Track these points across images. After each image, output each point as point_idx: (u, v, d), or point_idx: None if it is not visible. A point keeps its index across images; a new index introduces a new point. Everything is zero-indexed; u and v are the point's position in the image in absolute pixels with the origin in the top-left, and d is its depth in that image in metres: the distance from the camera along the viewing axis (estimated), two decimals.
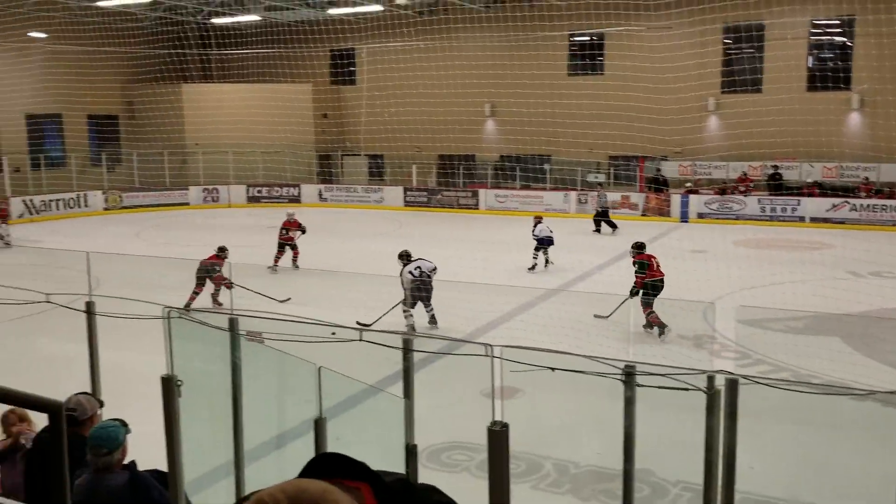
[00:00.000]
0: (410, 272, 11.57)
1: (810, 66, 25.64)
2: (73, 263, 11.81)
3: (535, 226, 16.99)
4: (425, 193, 29.27)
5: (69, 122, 30.27)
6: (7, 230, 20.93)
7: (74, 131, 30.55)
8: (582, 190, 26.84)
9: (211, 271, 12.85)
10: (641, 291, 11.05)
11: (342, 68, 32.32)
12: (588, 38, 28.22)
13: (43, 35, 28.31)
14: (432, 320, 11.35)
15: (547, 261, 16.77)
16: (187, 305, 12.16)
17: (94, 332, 5.17)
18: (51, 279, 9.36)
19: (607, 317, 10.81)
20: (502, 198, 27.90)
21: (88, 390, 5.31)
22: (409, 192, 29.45)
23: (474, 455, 7.36)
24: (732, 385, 3.16)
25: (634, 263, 11.66)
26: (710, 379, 3.24)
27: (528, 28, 26.41)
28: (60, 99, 28.39)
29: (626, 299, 10.96)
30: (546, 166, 28.12)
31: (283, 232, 17.23)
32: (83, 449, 3.84)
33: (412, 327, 11.07)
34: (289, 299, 12.54)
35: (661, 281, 11.35)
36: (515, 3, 27.39)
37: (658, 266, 11.61)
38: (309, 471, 1.17)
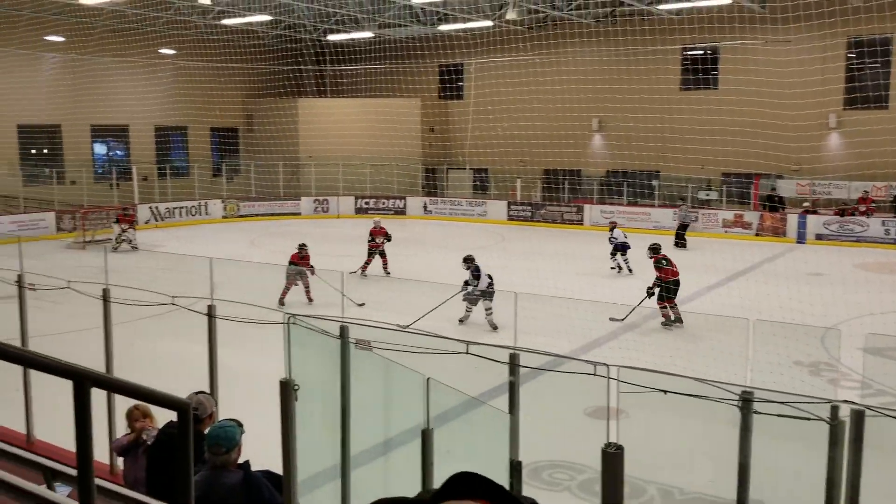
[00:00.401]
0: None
1: None
2: (195, 268, 12.44)
3: (611, 230, 18.57)
4: (529, 208, 29.18)
5: (194, 134, 32.01)
6: (134, 235, 22.28)
7: (198, 143, 32.26)
8: (692, 208, 26.08)
9: (302, 272, 14.17)
10: (658, 289, 12.58)
11: (450, 83, 32.73)
12: (702, 52, 27.48)
13: (172, 52, 30.05)
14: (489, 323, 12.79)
15: (627, 266, 18.00)
16: (281, 300, 14.08)
17: (213, 334, 5.41)
18: (174, 282, 9.88)
19: (622, 319, 11.94)
20: (608, 213, 27.45)
21: (206, 389, 5.57)
22: (512, 207, 29.43)
23: (576, 475, 7.26)
24: (859, 416, 2.99)
25: (657, 261, 13.03)
26: (835, 409, 3.08)
27: (640, 42, 25.96)
28: (186, 112, 30.06)
29: (644, 298, 12.53)
30: (654, 182, 27.52)
31: (371, 239, 17.73)
32: (201, 446, 4.03)
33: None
34: (363, 304, 13.08)
35: (678, 281, 12.78)
36: (627, 17, 27.01)
37: (675, 267, 12.91)
38: (450, 489, 1.19)
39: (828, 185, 25.12)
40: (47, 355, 2.08)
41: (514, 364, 4.09)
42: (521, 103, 28.85)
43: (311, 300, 14.21)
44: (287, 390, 3.21)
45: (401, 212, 30.63)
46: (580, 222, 27.78)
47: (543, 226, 27.94)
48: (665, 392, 3.67)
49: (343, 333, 4.62)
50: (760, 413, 3.27)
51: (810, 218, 23.99)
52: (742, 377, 4.17)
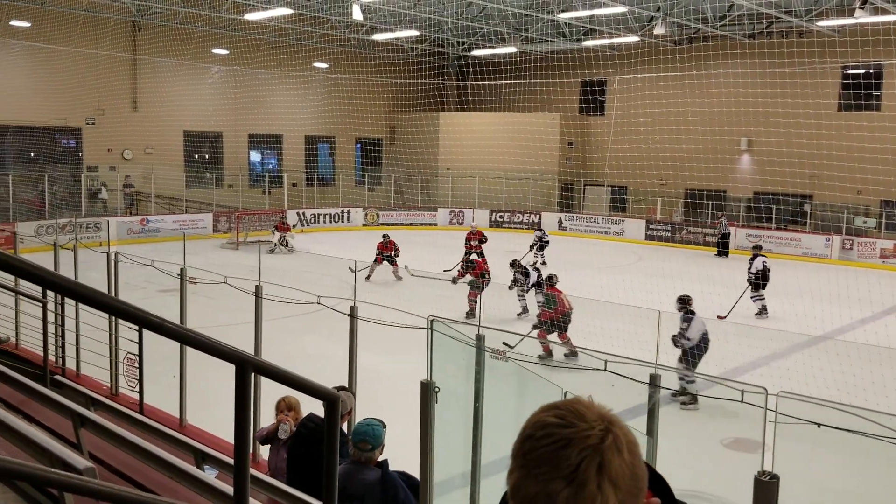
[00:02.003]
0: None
1: None
2: (337, 272, 12.92)
3: (752, 260, 16.65)
4: (669, 228, 28.33)
5: (340, 144, 33.38)
6: (293, 238, 23.65)
7: (344, 153, 33.61)
8: (847, 236, 24.47)
9: (388, 258, 17.49)
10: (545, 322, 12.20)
11: (592, 98, 32.37)
12: (864, 71, 25.77)
13: (325, 65, 31.49)
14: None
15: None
16: (368, 277, 16.80)
17: (354, 335, 5.60)
18: (318, 284, 10.32)
19: (513, 347, 11.20)
20: (754, 237, 26.18)
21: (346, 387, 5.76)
22: (651, 226, 28.68)
23: None
24: None
25: (544, 296, 12.59)
26: None
27: (796, 59, 24.69)
28: (335, 123, 31.43)
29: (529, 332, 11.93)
30: (806, 207, 26.02)
31: (467, 243, 18.10)
32: (340, 439, 4.17)
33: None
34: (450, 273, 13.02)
35: (568, 315, 12.21)
36: (782, 31, 25.76)
37: (567, 301, 12.36)
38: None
39: None
40: (216, 339, 2.23)
41: (654, 384, 3.98)
42: (665, 120, 28.11)
43: (398, 278, 17.53)
44: (428, 392, 3.28)
45: (536, 226, 30.52)
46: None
47: (683, 247, 27.02)
48: (819, 425, 3.46)
49: (479, 341, 4.66)
50: None
51: None
52: None
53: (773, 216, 26.86)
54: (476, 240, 19.02)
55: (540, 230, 22.88)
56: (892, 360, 9.59)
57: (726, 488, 7.14)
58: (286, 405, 5.41)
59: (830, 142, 24.57)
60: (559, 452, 1.11)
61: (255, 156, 32.93)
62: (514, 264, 15.30)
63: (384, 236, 19.56)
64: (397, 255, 19.00)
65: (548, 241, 22.38)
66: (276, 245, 23.01)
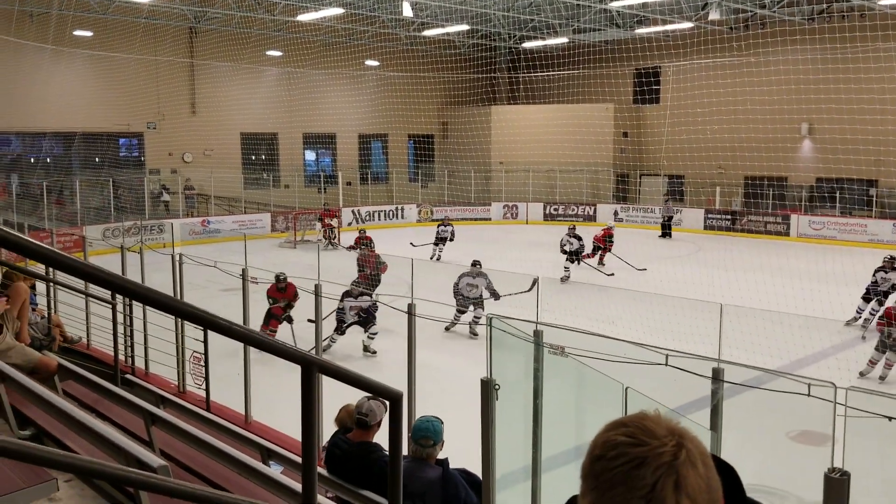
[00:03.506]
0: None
1: None
2: (393, 270, 13.04)
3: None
4: (728, 217, 27.74)
5: (393, 141, 33.61)
6: (335, 233, 23.90)
7: (397, 149, 33.83)
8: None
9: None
10: None
11: (646, 87, 31.84)
12: None
13: (376, 63, 31.73)
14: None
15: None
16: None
17: (412, 332, 5.65)
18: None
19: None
20: (818, 225, 25.48)
21: (405, 383, 5.83)
22: (710, 215, 28.13)
23: (777, 502, 6.80)
24: None
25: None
26: None
27: (858, 41, 23.85)
28: (387, 120, 31.64)
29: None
30: (872, 192, 25.16)
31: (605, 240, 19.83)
32: (369, 456, 4.18)
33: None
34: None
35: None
36: (843, 14, 24.92)
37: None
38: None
39: None
40: (282, 341, 2.28)
41: (717, 378, 3.92)
42: (722, 107, 27.48)
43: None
44: (488, 389, 3.30)
45: (590, 218, 30.23)
46: (786, 233, 25.99)
47: (744, 236, 26.44)
48: (890, 419, 3.36)
49: (537, 336, 4.65)
50: None
51: None
52: None
53: (837, 202, 26.06)
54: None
55: (445, 225, 22.29)
56: None
57: (793, 482, 6.98)
58: (347, 414, 5.48)
59: None
60: (633, 472, 1.09)
61: (310, 155, 33.40)
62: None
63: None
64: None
65: (449, 236, 21.79)
66: (324, 239, 23.38)
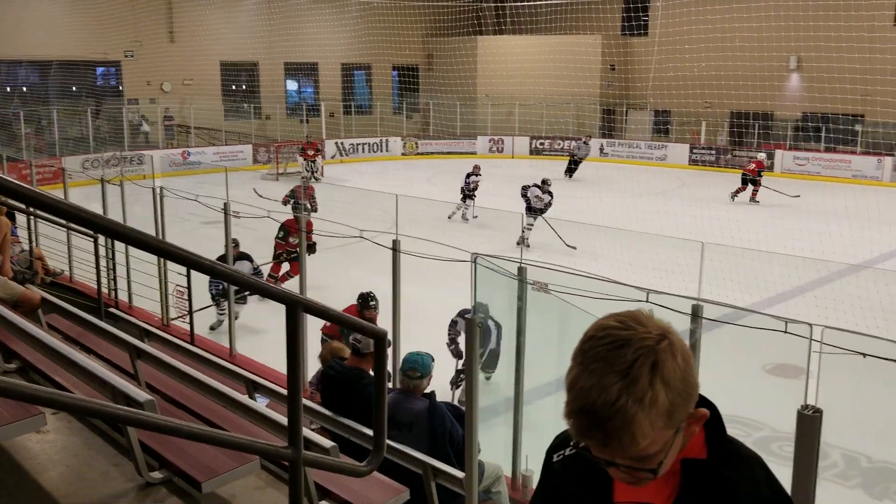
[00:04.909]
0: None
1: None
2: (378, 203, 12.96)
3: None
4: (713, 152, 27.71)
5: (377, 72, 33.00)
6: (318, 166, 23.61)
7: (380, 81, 33.25)
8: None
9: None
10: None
11: (634, 19, 31.29)
12: None
13: None
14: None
15: None
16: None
17: (397, 268, 5.67)
18: (358, 216, 10.38)
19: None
20: (802, 160, 25.53)
21: (389, 321, 5.88)
22: (695, 151, 28.08)
23: (751, 431, 7.02)
24: None
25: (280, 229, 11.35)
26: None
27: None
28: (370, 50, 31.00)
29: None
30: (857, 127, 25.15)
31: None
32: (359, 381, 4.28)
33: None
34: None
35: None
36: None
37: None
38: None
39: None
40: (264, 282, 2.28)
41: (696, 315, 3.99)
42: (710, 40, 27.09)
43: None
44: (472, 326, 3.34)
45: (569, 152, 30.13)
46: (770, 169, 26.04)
47: (728, 171, 26.46)
48: (864, 355, 3.44)
49: (521, 274, 4.69)
50: None
51: None
52: None
53: (823, 137, 26.06)
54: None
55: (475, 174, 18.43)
56: None
57: (768, 413, 7.19)
58: (329, 352, 5.54)
59: (885, 56, 23.55)
60: (616, 351, 1.20)
61: (292, 85, 32.80)
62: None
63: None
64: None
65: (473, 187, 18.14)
66: (306, 172, 23.07)
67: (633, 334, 1.22)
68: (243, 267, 8.97)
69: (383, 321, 5.99)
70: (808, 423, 2.07)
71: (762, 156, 21.91)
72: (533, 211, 14.93)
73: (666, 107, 30.27)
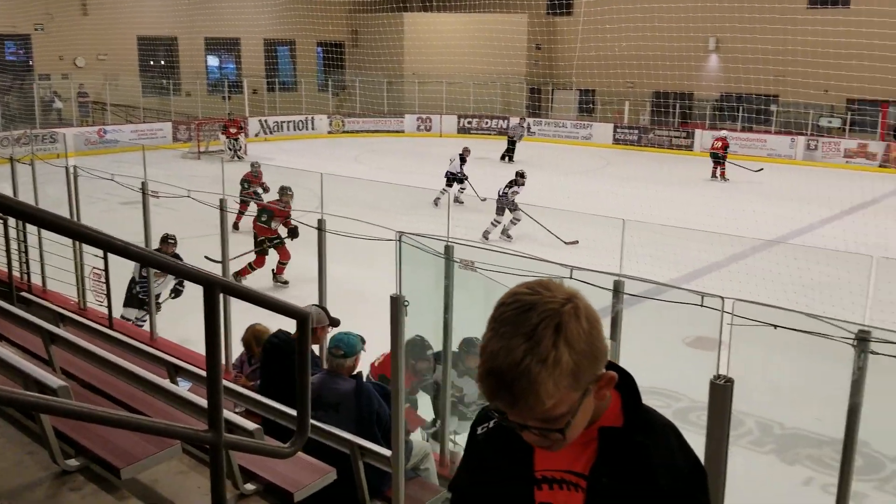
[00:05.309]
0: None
1: None
2: (304, 182, 12.75)
3: None
4: (636, 132, 28.30)
5: (301, 48, 32.34)
6: (241, 145, 23.08)
7: (305, 57, 32.61)
8: (812, 135, 24.70)
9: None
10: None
11: None
12: None
13: None
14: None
15: None
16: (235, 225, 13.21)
17: (323, 248, 5.60)
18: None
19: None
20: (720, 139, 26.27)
21: (316, 301, 5.82)
22: (619, 130, 28.61)
23: (672, 402, 7.25)
24: None
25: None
26: None
27: None
28: (294, 26, 30.34)
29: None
30: (773, 107, 26.07)
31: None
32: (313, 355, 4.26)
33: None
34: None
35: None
36: None
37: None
38: None
39: None
40: (183, 262, 2.22)
41: (618, 291, 4.08)
42: (632, 20, 27.56)
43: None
44: (397, 306, 3.33)
45: (504, 132, 30.29)
46: (690, 148, 26.78)
47: (650, 150, 27.10)
48: (776, 327, 3.58)
49: (448, 252, 4.70)
50: (877, 353, 3.15)
51: None
52: (860, 316, 4.02)
53: (739, 117, 26.91)
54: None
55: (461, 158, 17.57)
56: (848, 263, 9.87)
57: (687, 384, 7.43)
58: (252, 335, 5.46)
59: (798, 38, 24.41)
60: (522, 315, 1.25)
61: (213, 61, 31.89)
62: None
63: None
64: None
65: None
66: (229, 150, 22.55)
67: (539, 299, 1.27)
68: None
69: (312, 300, 5.92)
70: (720, 393, 2.16)
71: (725, 133, 22.55)
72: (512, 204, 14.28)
73: (590, 86, 30.71)
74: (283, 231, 10.77)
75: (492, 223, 14.06)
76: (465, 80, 30.56)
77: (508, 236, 14.06)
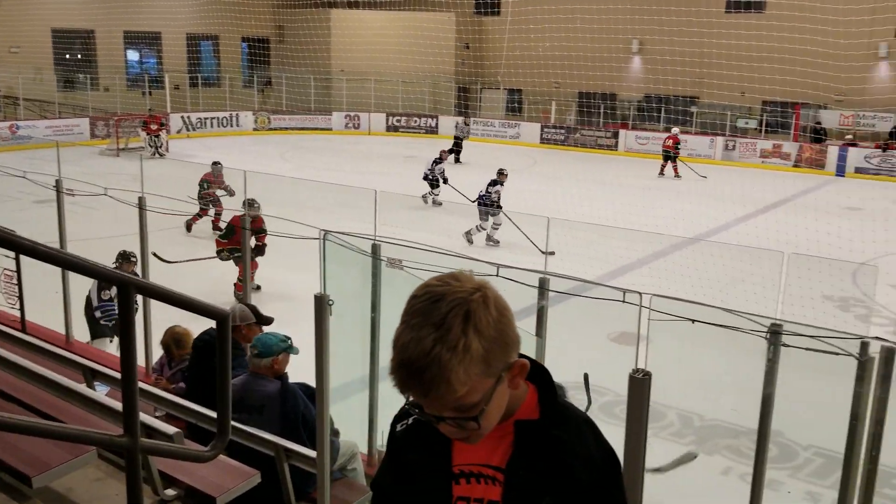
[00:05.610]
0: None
1: None
2: (227, 179, 12.51)
3: None
4: (563, 131, 28.75)
5: (225, 43, 31.67)
6: (162, 142, 22.44)
7: (229, 53, 31.95)
8: (730, 136, 25.57)
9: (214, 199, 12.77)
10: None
11: None
12: None
13: None
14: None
15: None
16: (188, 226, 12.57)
17: (246, 246, 5.50)
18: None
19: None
20: (643, 140, 26.99)
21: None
22: (546, 130, 29.01)
23: (597, 397, 7.38)
24: (889, 354, 2.99)
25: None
26: (864, 345, 3.09)
27: None
28: (218, 20, 29.68)
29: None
30: (693, 109, 26.87)
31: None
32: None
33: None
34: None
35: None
36: None
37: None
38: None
39: (873, 118, 24.36)
40: (94, 261, 2.14)
41: (543, 288, 4.13)
42: (557, 21, 27.96)
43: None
44: (322, 305, 3.29)
45: (432, 131, 30.35)
46: (615, 148, 27.36)
47: (577, 150, 27.57)
48: (693, 321, 3.69)
49: (375, 251, 4.67)
50: (788, 346, 3.28)
51: (851, 151, 23.40)
52: (772, 310, 4.17)
53: (662, 118, 27.63)
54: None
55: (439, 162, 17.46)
56: (761, 259, 10.25)
57: (613, 379, 7.59)
58: (171, 337, 5.32)
59: (715, 41, 25.20)
60: (432, 305, 1.28)
61: (133, 55, 30.92)
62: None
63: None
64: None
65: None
66: (149, 148, 21.91)
67: (448, 289, 1.29)
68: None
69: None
70: (638, 386, 2.21)
71: (676, 130, 23.16)
72: (492, 207, 13.61)
73: (518, 86, 31.04)
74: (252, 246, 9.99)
75: (476, 227, 13.42)
76: (393, 78, 30.47)
77: (495, 242, 13.23)
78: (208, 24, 30.32)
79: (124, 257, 7.72)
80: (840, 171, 23.22)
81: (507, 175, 14.12)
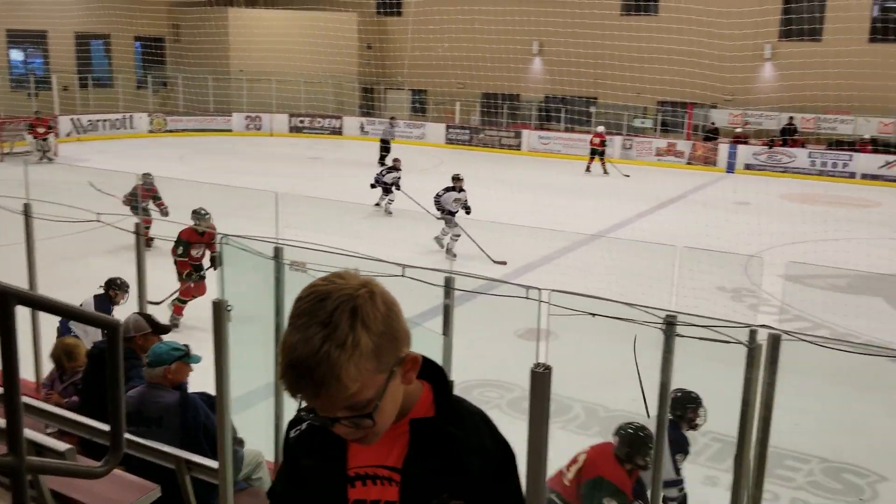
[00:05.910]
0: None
1: (875, 15, 24.58)
2: (122, 185, 11.99)
3: None
4: (467, 132, 29.01)
5: (116, 42, 30.42)
6: (51, 145, 21.36)
7: (121, 52, 30.71)
8: (627, 135, 26.41)
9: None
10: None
11: None
12: None
13: None
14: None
15: None
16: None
17: (142, 254, 5.29)
18: (100, 199, 9.56)
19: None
20: (546, 139, 27.55)
21: (136, 309, 5.48)
22: (450, 130, 29.21)
23: (505, 393, 7.49)
24: (775, 341, 3.14)
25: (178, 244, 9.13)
26: (753, 333, 3.23)
27: None
28: (108, 19, 28.48)
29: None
30: (592, 109, 27.62)
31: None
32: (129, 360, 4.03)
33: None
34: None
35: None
36: None
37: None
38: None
39: (759, 116, 25.67)
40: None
41: (449, 287, 4.14)
42: (458, 22, 28.22)
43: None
44: (220, 311, 3.19)
45: (337, 132, 30.07)
46: (518, 147, 27.81)
47: (481, 150, 27.87)
48: (593, 315, 3.78)
49: (277, 254, 4.58)
50: (683, 336, 3.40)
51: (740, 148, 24.57)
52: (667, 302, 4.32)
53: (563, 119, 28.27)
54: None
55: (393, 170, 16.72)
56: (656, 253, 10.64)
57: (520, 375, 7.71)
58: (62, 349, 5.08)
59: (611, 43, 25.98)
60: (318, 304, 1.26)
61: (17, 55, 29.31)
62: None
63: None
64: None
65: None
66: (37, 152, 20.83)
67: (334, 287, 1.28)
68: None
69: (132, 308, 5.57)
70: (540, 380, 2.25)
71: (601, 128, 23.95)
72: (452, 215, 12.53)
73: (422, 87, 31.14)
74: (206, 259, 9.15)
75: (442, 231, 12.64)
76: (295, 78, 30.00)
77: (453, 255, 12.12)
78: (98, 23, 29.05)
79: (118, 287, 7.12)
80: (730, 168, 24.36)
81: (462, 180, 13.11)
